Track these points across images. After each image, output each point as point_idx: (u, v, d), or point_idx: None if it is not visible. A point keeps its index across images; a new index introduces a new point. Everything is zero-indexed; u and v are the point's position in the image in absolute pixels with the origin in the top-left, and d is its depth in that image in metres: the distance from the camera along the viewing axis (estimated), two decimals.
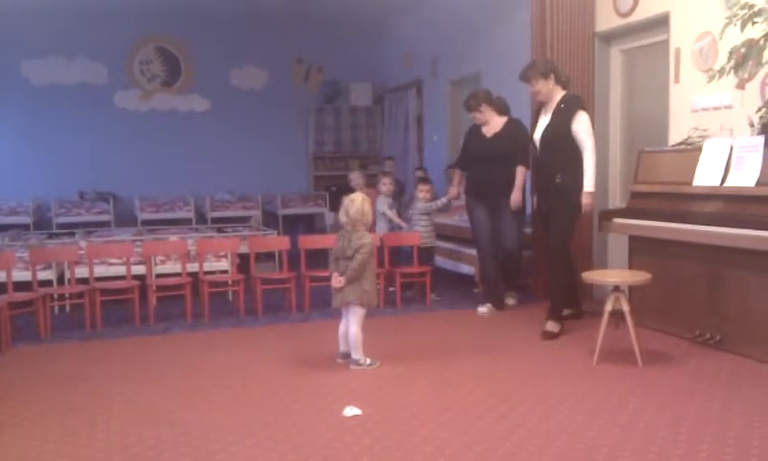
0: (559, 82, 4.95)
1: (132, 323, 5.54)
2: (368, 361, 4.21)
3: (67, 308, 5.97)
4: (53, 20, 10.10)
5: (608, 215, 5.21)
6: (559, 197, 4.89)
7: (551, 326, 4.82)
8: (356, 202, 4.25)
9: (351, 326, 4.22)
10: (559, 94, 4.93)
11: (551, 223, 4.95)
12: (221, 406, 3.59)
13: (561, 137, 4.85)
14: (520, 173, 5.56)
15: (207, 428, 3.28)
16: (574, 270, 5.04)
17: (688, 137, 4.96)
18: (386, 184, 6.77)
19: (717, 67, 4.88)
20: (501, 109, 5.78)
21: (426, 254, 6.41)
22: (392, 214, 6.69)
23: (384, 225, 6.67)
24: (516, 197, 5.52)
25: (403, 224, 6.66)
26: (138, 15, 10.31)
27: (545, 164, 4.98)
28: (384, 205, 6.72)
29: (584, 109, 4.92)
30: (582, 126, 4.80)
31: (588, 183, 4.80)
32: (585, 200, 4.82)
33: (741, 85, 4.73)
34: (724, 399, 3.53)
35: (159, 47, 10.88)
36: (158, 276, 6.06)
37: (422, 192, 6.51)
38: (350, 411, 3.42)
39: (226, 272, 6.32)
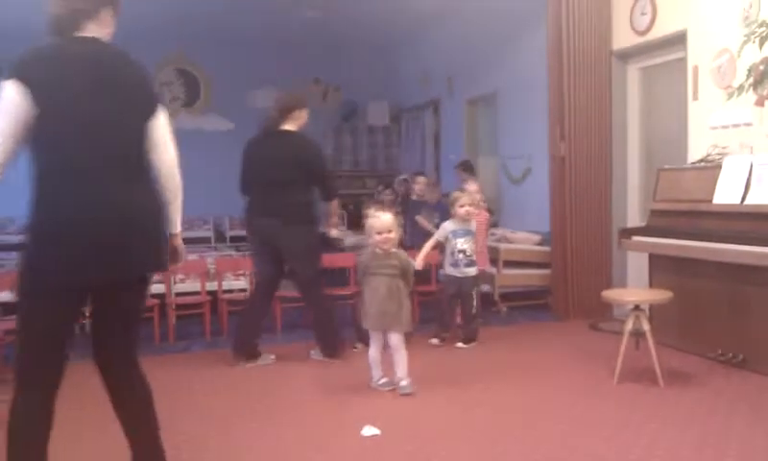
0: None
1: (151, 341, 5.56)
2: (381, 381, 4.18)
3: (86, 327, 6.02)
4: None
5: (627, 233, 5.19)
6: None
7: None
8: (370, 217, 4.25)
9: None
10: None
11: None
12: (239, 425, 3.60)
13: None
14: None
15: (225, 447, 3.28)
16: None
17: (708, 155, 4.93)
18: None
19: (736, 85, 4.86)
20: None
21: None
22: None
23: None
24: None
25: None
26: (158, 38, 10.44)
27: None
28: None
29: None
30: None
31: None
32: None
33: (761, 102, 4.70)
34: (747, 419, 3.48)
35: (180, 69, 11.03)
36: (178, 294, 6.10)
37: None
38: (369, 431, 3.40)
39: (244, 290, 6.34)
